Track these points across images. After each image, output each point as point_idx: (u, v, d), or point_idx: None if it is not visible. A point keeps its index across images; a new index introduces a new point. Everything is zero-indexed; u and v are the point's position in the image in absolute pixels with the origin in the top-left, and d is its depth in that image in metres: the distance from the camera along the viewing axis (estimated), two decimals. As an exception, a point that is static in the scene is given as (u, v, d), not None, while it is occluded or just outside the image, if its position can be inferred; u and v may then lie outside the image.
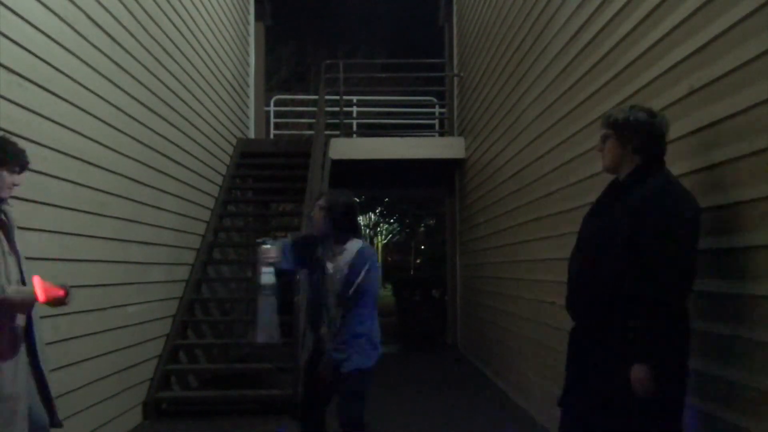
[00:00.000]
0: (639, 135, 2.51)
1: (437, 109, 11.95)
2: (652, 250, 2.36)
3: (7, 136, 2.96)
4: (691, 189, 2.92)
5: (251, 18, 10.15)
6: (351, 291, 3.33)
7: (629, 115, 2.53)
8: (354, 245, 3.44)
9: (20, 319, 2.64)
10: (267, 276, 3.30)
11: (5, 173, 2.63)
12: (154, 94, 5.70)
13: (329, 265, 3.43)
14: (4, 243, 2.61)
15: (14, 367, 2.57)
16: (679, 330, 2.41)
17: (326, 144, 8.75)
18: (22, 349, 2.64)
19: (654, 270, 2.34)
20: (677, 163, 3.04)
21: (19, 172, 2.70)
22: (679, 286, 2.38)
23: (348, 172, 9.50)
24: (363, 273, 3.34)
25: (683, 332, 2.43)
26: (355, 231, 3.51)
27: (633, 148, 2.52)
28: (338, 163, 8.89)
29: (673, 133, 3.09)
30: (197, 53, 7.01)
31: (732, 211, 2.60)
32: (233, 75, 8.80)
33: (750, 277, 2.46)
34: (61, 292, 2.65)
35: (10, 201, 2.73)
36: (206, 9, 7.44)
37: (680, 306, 2.40)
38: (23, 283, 2.66)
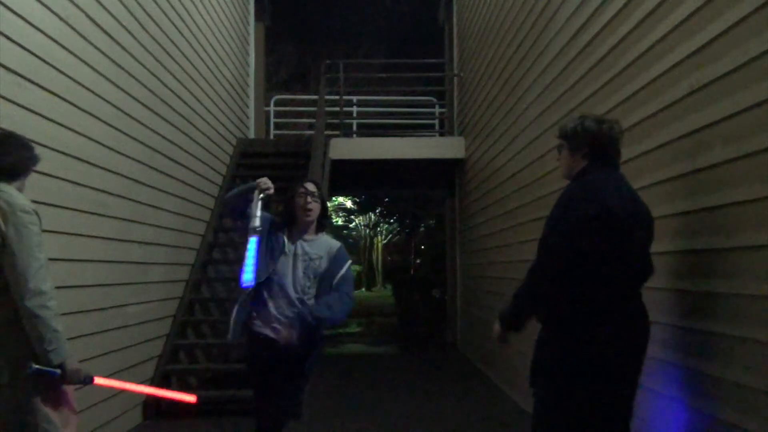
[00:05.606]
0: (587, 143, 2.60)
1: (437, 109, 11.95)
2: (542, 242, 2.53)
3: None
4: (691, 189, 2.93)
5: (251, 18, 10.15)
6: (335, 280, 3.37)
7: (578, 124, 2.65)
8: (327, 238, 3.52)
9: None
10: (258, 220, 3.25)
11: None
12: (154, 94, 5.70)
13: (291, 249, 3.39)
14: None
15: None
16: (575, 335, 2.48)
17: (326, 144, 8.75)
18: None
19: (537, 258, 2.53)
20: (677, 164, 3.05)
21: None
22: (543, 276, 2.49)
23: (348, 172, 9.50)
24: (346, 267, 3.42)
25: (580, 340, 2.47)
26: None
27: (583, 155, 2.62)
28: (338, 163, 8.89)
29: (672, 133, 3.10)
30: (197, 53, 7.02)
31: (732, 211, 2.60)
32: (233, 75, 8.80)
33: (749, 277, 2.46)
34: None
35: None
36: (206, 9, 7.44)
37: (550, 293, 2.48)
38: None
